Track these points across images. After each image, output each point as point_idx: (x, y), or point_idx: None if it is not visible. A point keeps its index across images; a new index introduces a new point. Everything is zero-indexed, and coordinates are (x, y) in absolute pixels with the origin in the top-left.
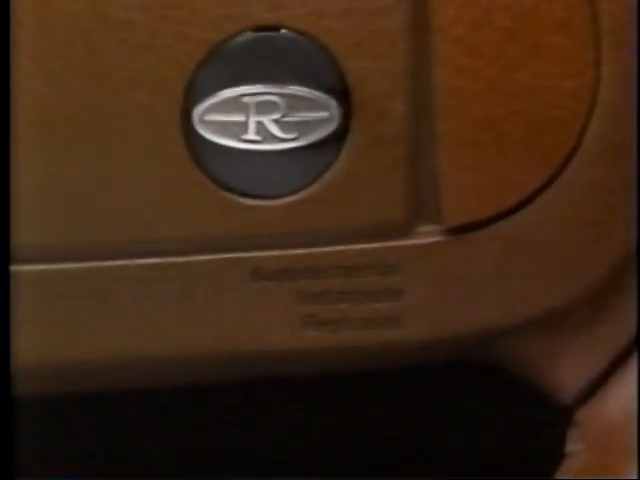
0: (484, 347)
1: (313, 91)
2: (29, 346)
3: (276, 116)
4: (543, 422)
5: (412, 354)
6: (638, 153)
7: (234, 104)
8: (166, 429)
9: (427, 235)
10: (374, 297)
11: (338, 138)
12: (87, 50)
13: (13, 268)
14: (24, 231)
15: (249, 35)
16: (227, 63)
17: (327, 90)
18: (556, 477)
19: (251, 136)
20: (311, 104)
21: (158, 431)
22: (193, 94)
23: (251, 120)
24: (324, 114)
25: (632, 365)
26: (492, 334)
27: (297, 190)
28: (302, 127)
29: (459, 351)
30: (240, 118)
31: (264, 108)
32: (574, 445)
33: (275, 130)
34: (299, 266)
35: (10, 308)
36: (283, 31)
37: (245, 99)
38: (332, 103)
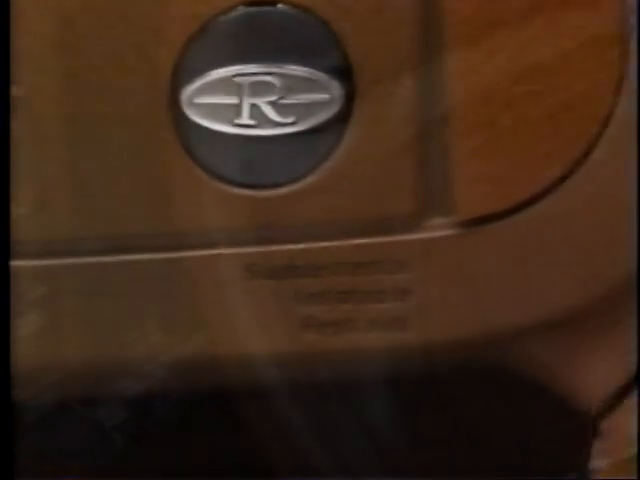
0: (498, 349)
1: (313, 71)
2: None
3: (272, 98)
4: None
5: (420, 357)
6: (638, 153)
7: (226, 85)
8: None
9: (437, 229)
10: (379, 297)
11: (340, 122)
12: (64, 28)
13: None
14: (22, 227)
15: (242, 10)
16: (218, 40)
17: (328, 70)
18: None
19: (245, 120)
20: (310, 85)
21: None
22: (181, 74)
23: (245, 102)
24: (325, 96)
25: None
26: (508, 335)
27: (295, 179)
28: (301, 110)
29: (471, 354)
30: (233, 100)
31: (259, 89)
32: (599, 460)
33: (271, 113)
34: (298, 262)
35: (10, 307)
36: (279, 5)
37: (238, 80)
38: (333, 84)
